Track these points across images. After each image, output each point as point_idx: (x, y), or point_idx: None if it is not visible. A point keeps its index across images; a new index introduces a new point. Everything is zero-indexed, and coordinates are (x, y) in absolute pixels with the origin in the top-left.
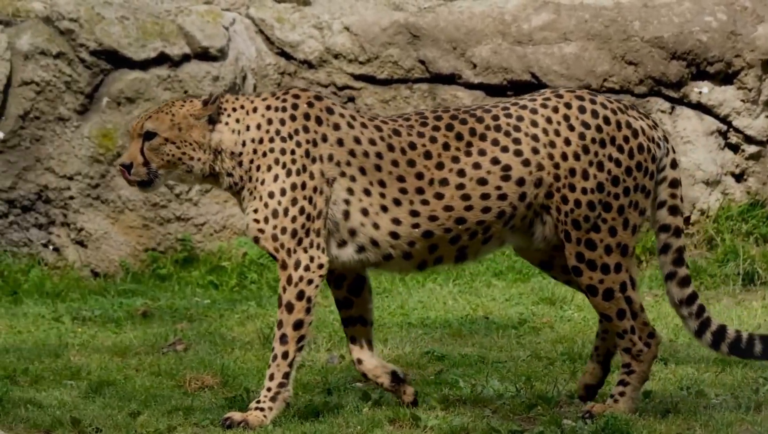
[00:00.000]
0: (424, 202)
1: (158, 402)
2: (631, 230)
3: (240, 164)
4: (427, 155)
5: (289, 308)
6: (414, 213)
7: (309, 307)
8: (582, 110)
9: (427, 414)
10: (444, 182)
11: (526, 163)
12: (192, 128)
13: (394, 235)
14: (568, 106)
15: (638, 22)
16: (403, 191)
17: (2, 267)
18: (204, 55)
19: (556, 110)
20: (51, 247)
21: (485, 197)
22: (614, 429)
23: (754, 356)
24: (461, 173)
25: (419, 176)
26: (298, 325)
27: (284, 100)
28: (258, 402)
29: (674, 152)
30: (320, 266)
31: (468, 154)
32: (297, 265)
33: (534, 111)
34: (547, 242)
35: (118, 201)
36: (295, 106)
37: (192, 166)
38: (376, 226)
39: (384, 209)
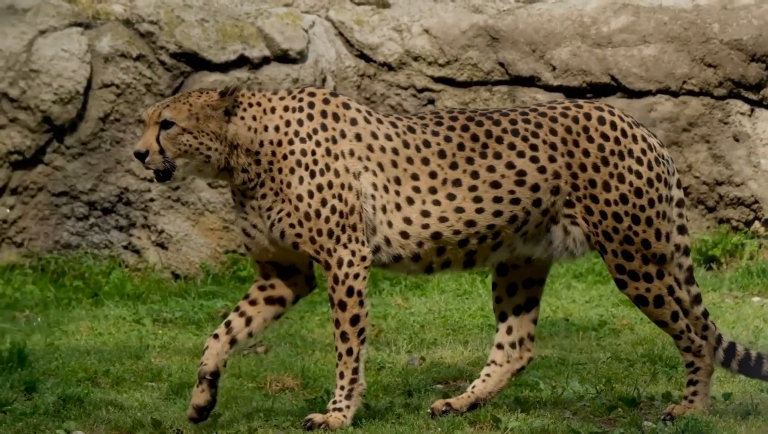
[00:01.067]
0: (436, 202)
1: (239, 403)
2: (665, 239)
3: (257, 162)
4: (442, 154)
5: (342, 306)
6: (425, 213)
7: (361, 300)
8: (602, 121)
9: (508, 416)
10: (457, 182)
11: (542, 170)
12: (209, 118)
13: (404, 234)
14: (587, 117)
15: (717, 25)
16: (417, 189)
17: (83, 269)
18: (283, 57)
19: (576, 120)
20: (132, 249)
21: (497, 200)
22: (695, 430)
23: (761, 376)
24: (475, 174)
25: (433, 175)
26: (354, 320)
27: (300, 100)
28: (335, 402)
29: (677, 172)
30: (363, 259)
31: (483, 156)
32: (340, 263)
33: (554, 119)
34: (570, 253)
35: (198, 203)
36: (311, 105)
37: (209, 156)
38: (389, 224)
39: (398, 207)
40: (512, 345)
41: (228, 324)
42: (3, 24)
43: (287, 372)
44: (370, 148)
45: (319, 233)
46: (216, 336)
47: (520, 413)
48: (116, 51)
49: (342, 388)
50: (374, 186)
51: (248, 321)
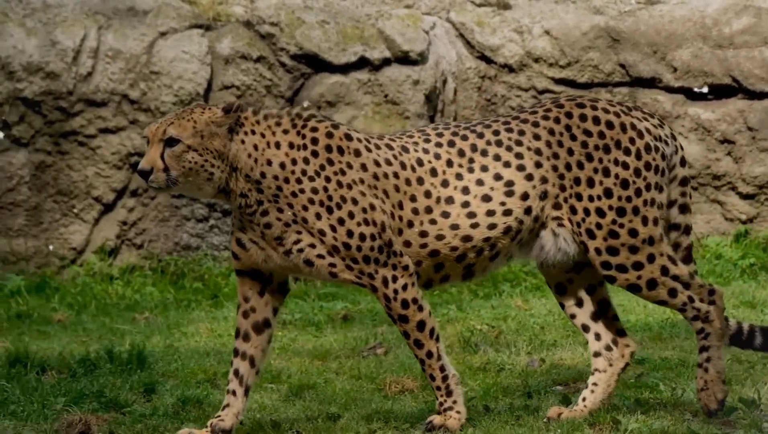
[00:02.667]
0: (432, 221)
1: (358, 405)
2: (653, 223)
3: (259, 190)
4: (433, 172)
5: (404, 319)
6: (423, 234)
7: (419, 306)
8: (583, 118)
9: (627, 417)
10: (450, 200)
11: (530, 177)
12: (214, 136)
13: None
14: (569, 115)
15: None
16: (415, 211)
17: (203, 271)
18: (404, 59)
19: (557, 120)
20: None
21: (490, 213)
22: None
23: (753, 347)
24: (465, 190)
25: (427, 194)
26: (421, 326)
27: (303, 137)
28: (441, 404)
29: (682, 149)
30: (406, 268)
31: (470, 171)
32: (385, 282)
33: (536, 124)
34: (564, 254)
35: None
36: (314, 141)
37: (212, 174)
38: None
39: (399, 232)
40: (608, 348)
41: (237, 373)
42: (123, 26)
43: (407, 374)
44: (375, 176)
45: (354, 261)
46: (234, 393)
47: (640, 415)
48: (237, 53)
49: (439, 389)
50: (384, 212)
51: (252, 362)
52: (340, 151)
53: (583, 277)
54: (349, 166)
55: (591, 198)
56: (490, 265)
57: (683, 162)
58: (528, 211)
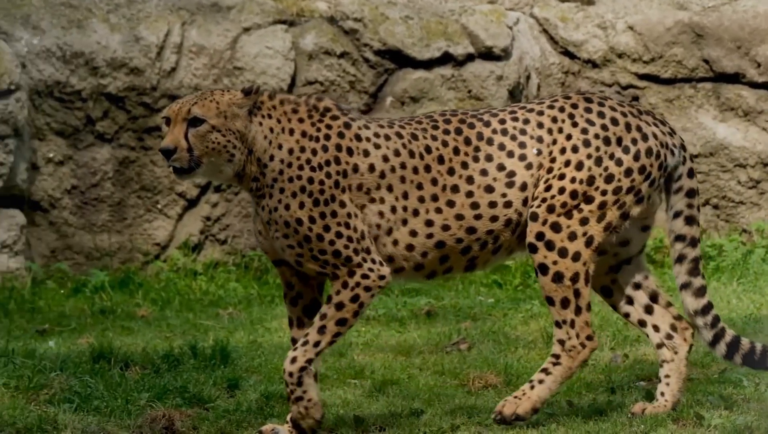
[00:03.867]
0: (438, 210)
1: (441, 400)
2: (605, 227)
3: (263, 174)
4: (440, 160)
5: (339, 306)
6: (429, 223)
7: (358, 312)
8: (588, 110)
9: (711, 413)
10: (455, 188)
11: (529, 166)
12: (236, 117)
13: (410, 247)
14: (574, 106)
15: None
16: (421, 199)
17: None
18: (488, 54)
19: (562, 109)
20: None
21: (492, 205)
22: None
23: (766, 367)
24: (470, 179)
25: (434, 181)
26: (341, 323)
27: (318, 129)
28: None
29: (692, 161)
30: (381, 277)
31: (476, 159)
32: (352, 273)
33: (540, 113)
34: None
35: None
36: (327, 137)
37: (233, 156)
38: (395, 242)
39: (404, 222)
40: (668, 337)
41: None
42: (207, 22)
43: (490, 369)
44: (382, 175)
45: (322, 252)
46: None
47: (723, 410)
48: (320, 48)
49: (291, 375)
50: (381, 214)
51: None
52: (350, 152)
53: (624, 275)
54: (355, 169)
55: (573, 180)
56: (492, 258)
57: (691, 174)
58: (525, 202)
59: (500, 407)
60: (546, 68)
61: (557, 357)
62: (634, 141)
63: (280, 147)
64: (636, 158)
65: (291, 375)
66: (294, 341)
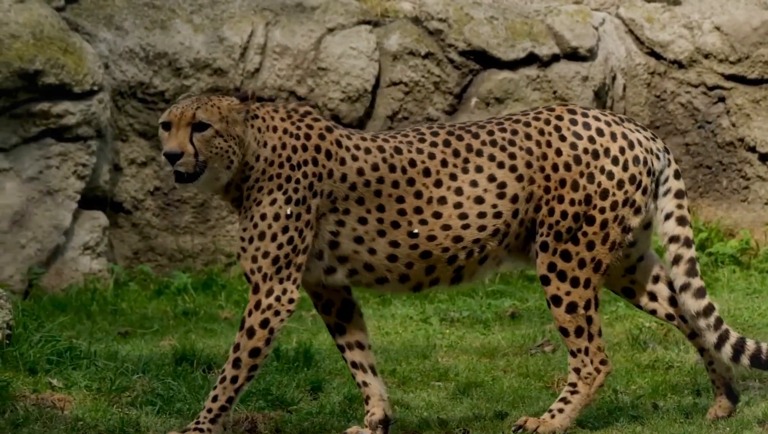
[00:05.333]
0: (423, 222)
1: (526, 403)
2: (610, 246)
3: (247, 178)
4: (426, 173)
5: (250, 333)
6: (412, 234)
7: (269, 338)
8: (574, 122)
9: None
10: (442, 200)
11: (520, 178)
12: (236, 122)
13: (392, 258)
14: (559, 118)
15: None
16: (402, 212)
17: None
18: (573, 55)
19: (548, 122)
20: None
21: (482, 215)
22: None
23: None
24: (459, 191)
25: (418, 194)
26: (254, 353)
27: (299, 128)
28: (197, 423)
29: (676, 163)
30: (290, 301)
31: (465, 171)
32: (269, 293)
33: (527, 124)
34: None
35: None
36: (308, 137)
37: (232, 162)
38: (372, 251)
39: (381, 233)
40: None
41: (355, 365)
42: (291, 22)
43: None
44: (353, 187)
45: (265, 255)
46: (365, 383)
47: None
48: (405, 49)
49: (210, 411)
50: (340, 223)
51: (360, 346)
52: (328, 156)
53: (642, 274)
54: (330, 174)
55: (572, 202)
56: (478, 269)
57: (677, 175)
58: (515, 214)
59: (522, 421)
60: (632, 69)
61: (574, 385)
62: (622, 150)
63: (265, 145)
64: (625, 168)
65: (210, 411)
66: (341, 348)
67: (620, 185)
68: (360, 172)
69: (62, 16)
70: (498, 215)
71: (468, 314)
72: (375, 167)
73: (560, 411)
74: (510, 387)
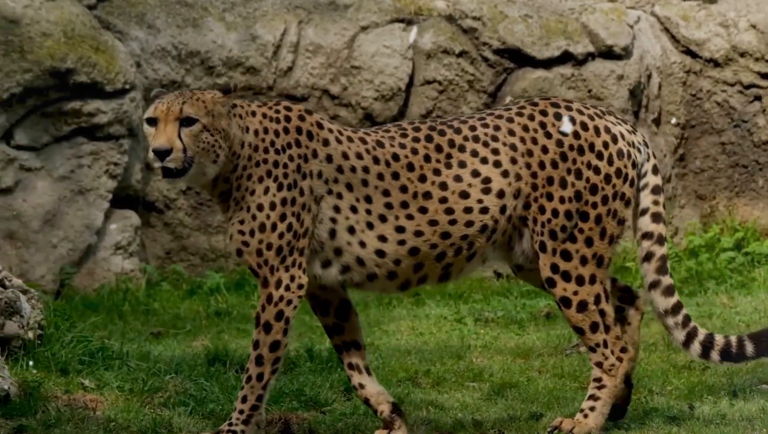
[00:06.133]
0: (409, 217)
1: (561, 403)
2: (608, 240)
3: (236, 168)
4: (410, 167)
5: (267, 328)
6: (400, 229)
7: (286, 328)
8: (558, 116)
9: None
10: (427, 195)
11: (505, 174)
12: (221, 116)
13: (380, 253)
14: (543, 113)
15: None
16: (389, 205)
17: None
18: (608, 53)
19: (532, 117)
20: None
21: (468, 210)
22: None
23: (747, 357)
24: (443, 186)
25: (403, 189)
26: (274, 346)
27: (277, 111)
28: (230, 424)
29: (655, 157)
30: (300, 287)
31: (448, 166)
32: (278, 284)
33: (510, 120)
34: (525, 257)
35: None
36: (287, 119)
37: (218, 156)
38: (362, 244)
39: (370, 226)
40: (620, 309)
41: (352, 367)
42: (324, 20)
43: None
44: (339, 169)
45: (269, 247)
46: (361, 386)
47: None
48: (438, 47)
49: (241, 412)
50: (336, 209)
51: (356, 345)
52: (310, 136)
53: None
54: (315, 154)
55: (562, 199)
56: (466, 266)
57: (656, 170)
58: (503, 210)
59: (557, 422)
60: (667, 67)
61: (599, 380)
62: (605, 144)
63: (247, 130)
64: (610, 162)
65: (241, 412)
66: (338, 348)
67: (607, 179)
68: (345, 156)
69: (94, 14)
70: (484, 210)
71: (503, 315)
72: (359, 156)
73: (591, 409)
74: (545, 388)
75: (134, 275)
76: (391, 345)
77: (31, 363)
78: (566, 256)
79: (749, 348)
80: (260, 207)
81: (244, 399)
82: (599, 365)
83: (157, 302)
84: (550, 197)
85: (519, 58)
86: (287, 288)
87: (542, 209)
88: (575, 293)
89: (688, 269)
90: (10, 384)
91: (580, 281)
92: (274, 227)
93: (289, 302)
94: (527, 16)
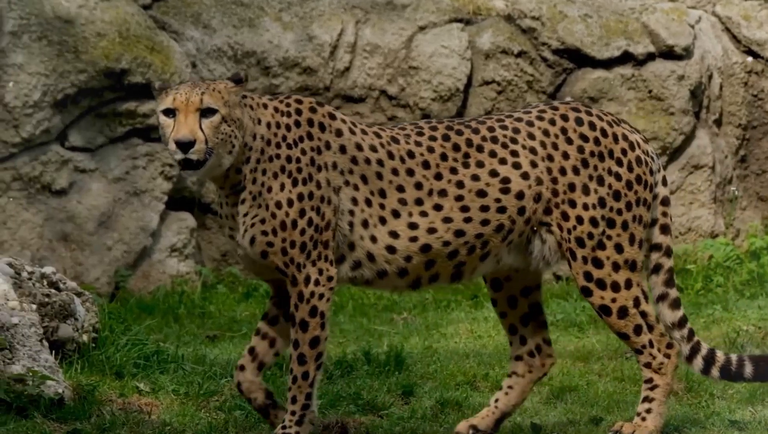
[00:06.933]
0: (423, 214)
1: (621, 407)
2: (638, 245)
3: (248, 160)
4: (426, 165)
5: (304, 326)
6: (412, 226)
7: (323, 322)
8: (579, 122)
9: None
10: (443, 192)
11: (525, 176)
12: (235, 105)
13: (391, 249)
14: (564, 118)
15: None
16: (403, 201)
17: None
18: (668, 53)
19: (553, 122)
20: None
21: (484, 209)
22: None
23: (744, 379)
24: (460, 184)
25: (418, 186)
26: (314, 343)
27: (288, 105)
28: (284, 427)
29: (664, 169)
30: (330, 279)
31: (466, 165)
32: (307, 280)
33: (530, 123)
34: (546, 262)
35: None
36: (298, 112)
37: (234, 147)
38: (373, 239)
39: (382, 220)
40: (530, 354)
41: (252, 351)
42: (382, 20)
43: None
44: (354, 160)
45: (292, 244)
46: (242, 368)
47: None
48: (497, 47)
49: (293, 413)
50: (354, 201)
51: (272, 343)
52: (322, 127)
53: (521, 277)
54: (328, 146)
55: (585, 206)
56: (479, 266)
57: (665, 181)
58: (522, 211)
59: (618, 427)
60: (728, 68)
61: (650, 380)
62: (624, 152)
63: (259, 122)
64: (630, 169)
65: (293, 413)
66: (258, 331)
67: (629, 185)
68: (359, 147)
69: (149, 14)
70: (502, 210)
71: (562, 317)
72: (373, 148)
73: (648, 411)
74: (605, 392)
75: (190, 278)
76: (449, 348)
77: (85, 366)
78: (598, 263)
79: (748, 369)
80: (278, 205)
81: (294, 400)
82: (648, 366)
83: (212, 305)
84: (572, 203)
85: (578, 58)
86: (317, 283)
87: (565, 216)
88: (613, 300)
89: (749, 271)
90: (65, 387)
91: (615, 287)
92: (294, 224)
93: (321, 296)
94: (587, 15)
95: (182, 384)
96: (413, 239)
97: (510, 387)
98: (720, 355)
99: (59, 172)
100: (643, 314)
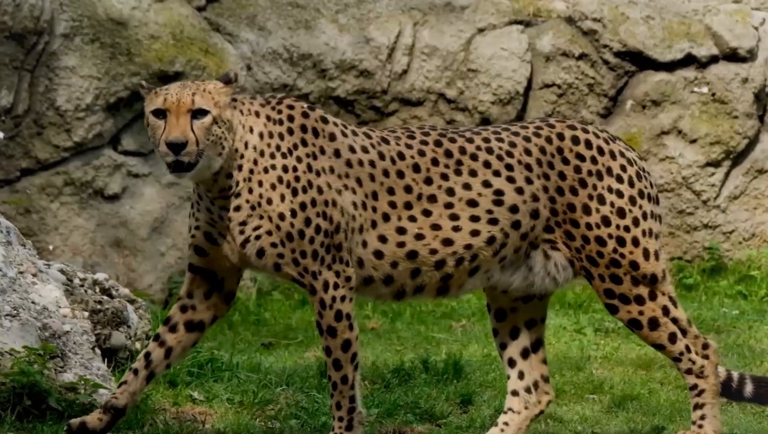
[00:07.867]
0: (412, 218)
1: (683, 417)
2: (654, 258)
3: (240, 167)
4: (416, 168)
5: (332, 332)
6: (401, 230)
7: (351, 324)
8: (575, 141)
9: None
10: (432, 198)
11: (520, 191)
12: (226, 107)
13: (378, 254)
14: (560, 137)
15: None
16: (392, 204)
17: None
18: (732, 56)
19: (549, 140)
20: None
21: (474, 219)
22: None
23: (743, 398)
24: (450, 191)
25: (408, 189)
26: (346, 346)
27: (280, 112)
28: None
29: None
30: (348, 279)
31: (458, 173)
32: (326, 286)
33: (527, 139)
34: (553, 280)
35: None
36: (291, 119)
37: (224, 148)
38: (364, 244)
39: (374, 224)
40: (527, 390)
41: (147, 357)
42: (440, 22)
43: None
44: (348, 163)
45: (303, 254)
46: (135, 371)
47: None
48: (558, 50)
49: (341, 419)
50: (354, 205)
51: (168, 352)
52: (315, 133)
53: (527, 308)
54: (322, 151)
55: (589, 226)
56: (467, 280)
57: (657, 200)
58: (516, 225)
59: None
60: None
61: (696, 387)
62: (623, 168)
63: (251, 131)
64: (631, 184)
65: (341, 419)
66: (157, 337)
67: (632, 200)
68: (351, 149)
69: (203, 16)
70: (493, 221)
71: (623, 326)
72: (364, 149)
73: (703, 418)
74: (667, 400)
75: (245, 284)
76: None
77: None
78: (616, 280)
79: (749, 388)
80: (281, 216)
81: (339, 406)
82: (689, 372)
83: (267, 312)
84: (575, 223)
85: (640, 60)
86: (336, 286)
87: (570, 235)
88: (641, 313)
89: None
90: None
91: (640, 300)
92: (301, 234)
93: (343, 298)
94: (649, 17)
95: (237, 393)
96: (400, 245)
97: (506, 423)
98: (722, 370)
99: (112, 177)
100: (675, 321)
